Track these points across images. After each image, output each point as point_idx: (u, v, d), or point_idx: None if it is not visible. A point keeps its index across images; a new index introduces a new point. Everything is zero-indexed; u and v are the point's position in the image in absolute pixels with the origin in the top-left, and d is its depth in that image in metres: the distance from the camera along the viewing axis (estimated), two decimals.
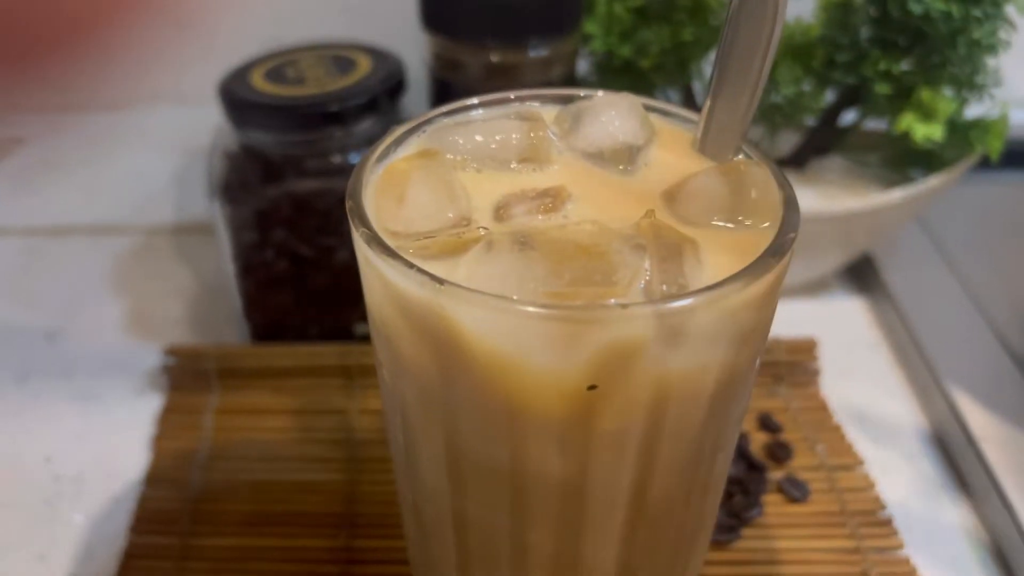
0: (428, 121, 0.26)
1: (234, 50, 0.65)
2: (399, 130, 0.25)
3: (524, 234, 0.21)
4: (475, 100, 0.27)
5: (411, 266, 0.20)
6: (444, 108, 0.26)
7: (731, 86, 0.22)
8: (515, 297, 0.20)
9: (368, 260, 0.22)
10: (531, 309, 0.19)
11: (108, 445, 0.42)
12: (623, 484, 0.22)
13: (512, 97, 0.27)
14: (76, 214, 0.58)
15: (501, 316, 0.19)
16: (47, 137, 0.66)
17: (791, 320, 0.48)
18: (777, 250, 0.21)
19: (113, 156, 0.64)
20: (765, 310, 0.22)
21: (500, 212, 0.22)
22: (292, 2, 0.65)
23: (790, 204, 0.22)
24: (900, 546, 0.38)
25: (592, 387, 0.20)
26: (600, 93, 0.27)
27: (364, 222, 0.22)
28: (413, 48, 0.62)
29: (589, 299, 0.20)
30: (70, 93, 0.68)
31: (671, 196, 0.23)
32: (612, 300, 0.20)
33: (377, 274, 0.21)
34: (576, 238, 0.20)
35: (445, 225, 0.22)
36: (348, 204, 0.23)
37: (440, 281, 0.20)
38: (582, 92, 0.28)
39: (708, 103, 0.23)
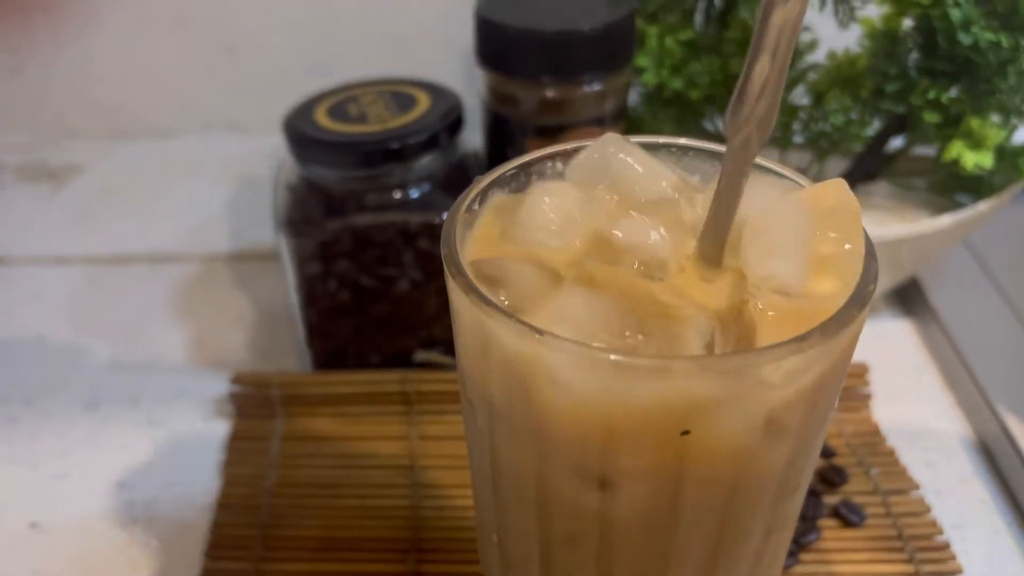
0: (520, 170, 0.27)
1: (284, 78, 0.67)
2: (485, 180, 0.27)
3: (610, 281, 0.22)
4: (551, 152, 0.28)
5: (509, 316, 0.22)
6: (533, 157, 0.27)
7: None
8: (601, 344, 0.21)
9: (463, 307, 0.23)
10: (629, 360, 0.20)
11: (178, 471, 0.44)
12: (708, 524, 0.23)
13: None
14: (134, 242, 0.60)
15: (599, 366, 0.20)
16: (104, 164, 0.68)
17: None
18: (860, 301, 0.22)
19: (166, 184, 0.66)
20: (846, 357, 0.23)
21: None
22: (342, 31, 0.66)
23: (869, 255, 0.23)
24: (959, 571, 0.38)
25: (685, 432, 0.21)
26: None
27: (460, 270, 0.23)
28: (460, 75, 0.63)
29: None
30: (124, 118, 0.70)
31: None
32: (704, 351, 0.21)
33: (474, 321, 0.23)
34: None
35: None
36: (443, 251, 0.24)
37: (539, 332, 0.21)
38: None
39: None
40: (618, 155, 0.25)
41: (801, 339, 0.21)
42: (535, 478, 0.24)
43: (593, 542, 0.24)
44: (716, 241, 0.23)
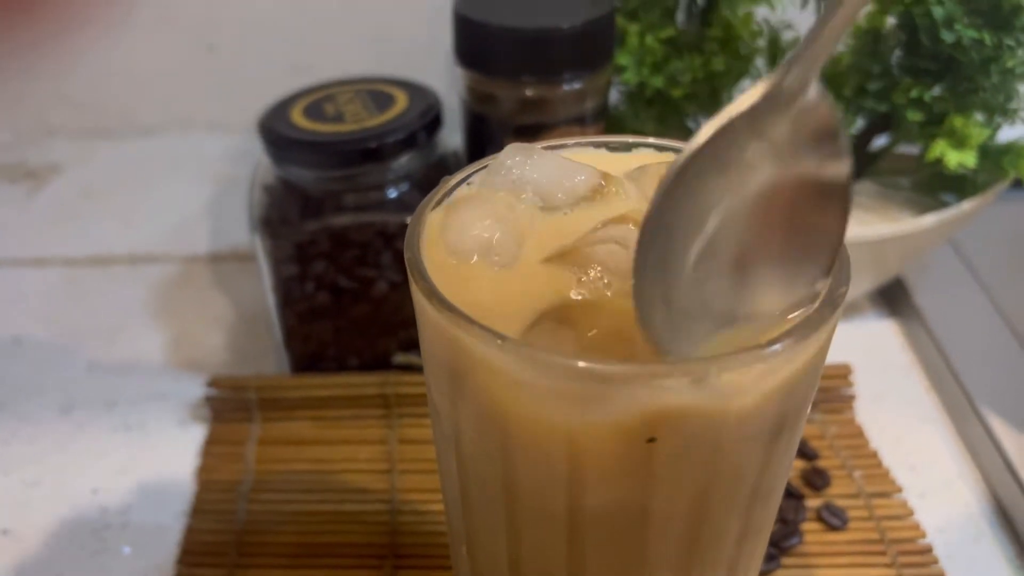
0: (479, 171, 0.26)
1: (264, 77, 0.67)
2: (452, 181, 0.26)
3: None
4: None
5: (472, 322, 0.21)
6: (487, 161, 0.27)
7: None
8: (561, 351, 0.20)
9: (426, 313, 0.22)
10: (593, 367, 0.20)
11: (153, 477, 0.43)
12: (678, 528, 0.23)
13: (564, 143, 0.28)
14: (113, 243, 0.59)
15: (563, 374, 0.20)
16: (82, 163, 0.67)
17: None
18: (832, 304, 0.21)
19: (147, 183, 0.65)
20: (818, 360, 0.22)
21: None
22: (322, 30, 0.66)
23: (842, 258, 0.23)
24: (941, 574, 0.38)
25: (651, 439, 0.21)
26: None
27: (423, 276, 0.23)
28: (441, 76, 0.62)
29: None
30: (105, 116, 0.69)
31: None
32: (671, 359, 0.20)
33: (436, 327, 0.22)
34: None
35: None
36: (407, 255, 0.23)
37: (502, 338, 0.20)
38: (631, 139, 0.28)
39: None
40: (526, 163, 0.25)
41: (769, 344, 0.20)
42: (502, 487, 0.23)
43: (562, 552, 0.23)
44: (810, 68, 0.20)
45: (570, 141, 0.28)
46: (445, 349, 0.22)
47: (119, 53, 0.67)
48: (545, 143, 0.28)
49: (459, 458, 0.24)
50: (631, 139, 0.28)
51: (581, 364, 0.20)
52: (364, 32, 0.65)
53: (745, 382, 0.20)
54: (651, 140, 0.28)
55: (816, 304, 0.22)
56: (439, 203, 0.25)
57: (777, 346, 0.20)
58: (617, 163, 0.27)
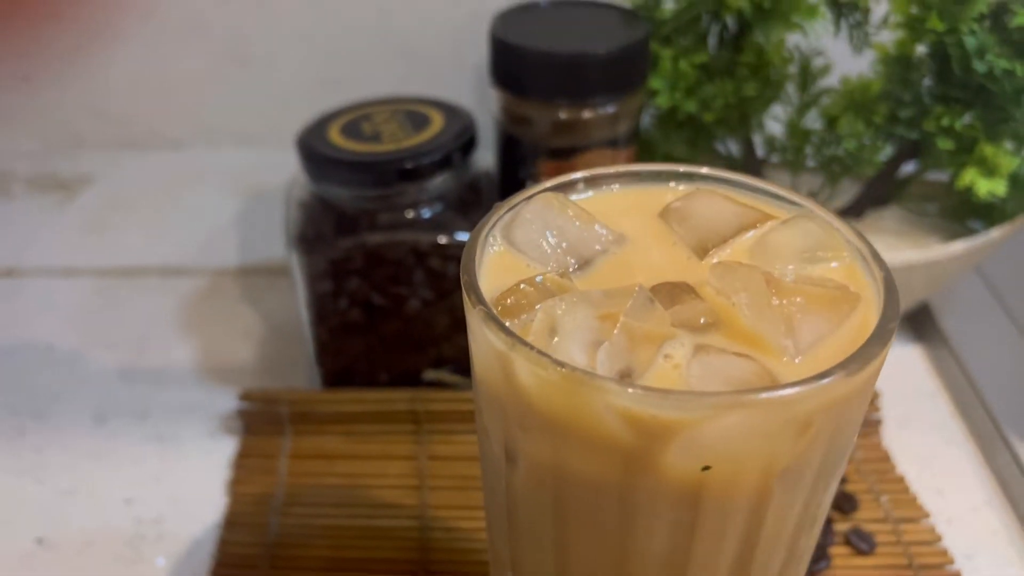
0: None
1: (293, 91, 0.68)
2: (503, 208, 0.27)
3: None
4: (577, 177, 0.28)
5: (530, 347, 0.21)
6: (547, 184, 0.27)
7: None
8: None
9: (484, 337, 0.23)
10: (653, 395, 0.20)
11: (186, 488, 0.44)
12: (724, 558, 0.23)
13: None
14: (144, 254, 0.60)
15: (624, 401, 0.20)
16: (114, 174, 0.68)
17: None
18: (882, 339, 0.22)
19: (176, 195, 0.66)
20: (867, 393, 0.23)
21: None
22: (351, 45, 0.66)
23: (890, 289, 0.23)
24: None
25: (706, 468, 0.21)
26: None
27: (480, 299, 0.23)
28: (469, 90, 0.63)
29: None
30: (134, 129, 0.70)
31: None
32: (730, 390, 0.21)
33: (494, 351, 0.22)
34: None
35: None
36: (464, 279, 0.24)
37: (561, 365, 0.21)
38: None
39: None
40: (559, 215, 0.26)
41: (822, 376, 0.21)
42: (551, 504, 0.23)
43: (609, 572, 0.24)
44: None
45: (610, 173, 0.28)
46: (499, 373, 0.23)
47: (149, 66, 0.68)
48: (582, 176, 0.28)
49: (509, 484, 0.25)
50: (665, 168, 0.28)
51: (636, 391, 0.20)
52: (393, 47, 0.66)
53: (801, 413, 0.21)
54: (685, 169, 0.28)
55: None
56: (492, 228, 0.26)
57: (829, 379, 0.21)
58: (654, 198, 0.28)
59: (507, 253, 0.26)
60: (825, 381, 0.21)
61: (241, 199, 0.65)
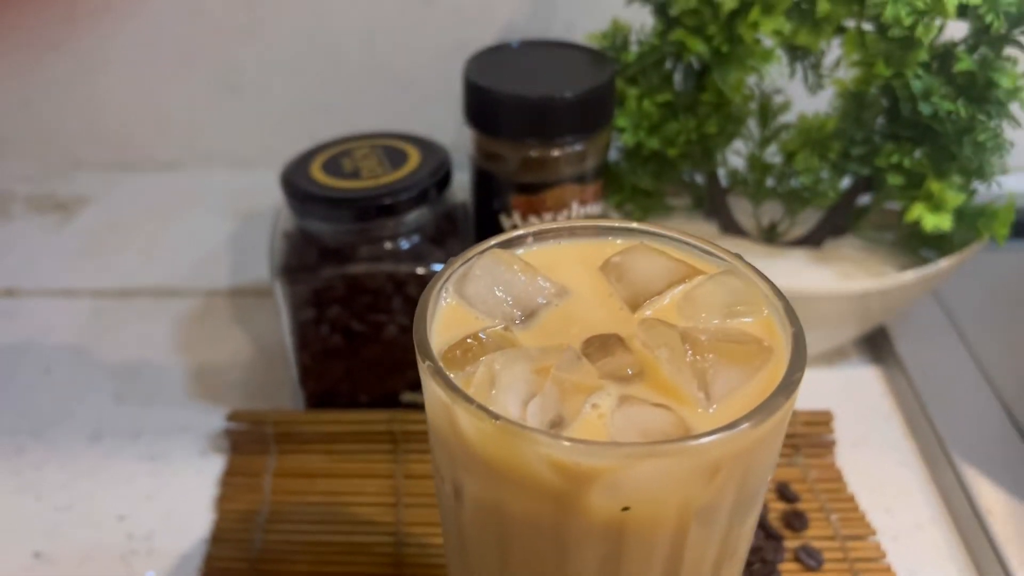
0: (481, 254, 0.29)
1: (283, 116, 0.70)
2: (457, 262, 0.29)
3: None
4: (525, 232, 0.30)
5: (470, 400, 0.24)
6: (496, 240, 0.30)
7: None
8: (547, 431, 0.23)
9: (432, 389, 0.25)
10: (575, 446, 0.23)
11: (176, 505, 0.46)
12: None
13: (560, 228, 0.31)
14: (139, 276, 0.62)
15: (550, 451, 0.23)
16: (111, 195, 0.71)
17: (809, 389, 0.51)
18: (787, 390, 0.24)
19: (170, 217, 0.69)
20: (776, 438, 0.25)
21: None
22: (339, 72, 0.69)
23: (798, 343, 0.26)
24: None
25: (626, 508, 0.24)
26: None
27: (428, 354, 0.26)
28: (453, 119, 0.66)
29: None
30: (130, 151, 0.73)
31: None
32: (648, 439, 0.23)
33: (441, 402, 0.25)
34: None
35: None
36: (416, 338, 0.26)
37: (496, 417, 0.23)
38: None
39: None
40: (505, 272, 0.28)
41: (728, 427, 0.23)
42: (496, 540, 0.26)
43: None
44: None
45: (555, 227, 0.31)
46: (445, 421, 0.25)
47: (145, 91, 0.70)
48: (530, 232, 0.30)
49: (458, 518, 0.27)
50: (605, 224, 0.31)
51: (564, 443, 0.23)
52: (380, 75, 0.68)
53: (706, 459, 0.23)
54: (634, 226, 0.31)
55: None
56: (446, 282, 0.28)
57: (739, 428, 0.23)
58: (595, 252, 0.30)
59: (458, 306, 0.28)
60: (732, 432, 0.23)
61: (233, 221, 0.68)
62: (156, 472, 0.48)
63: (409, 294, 0.47)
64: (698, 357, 0.25)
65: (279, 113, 0.70)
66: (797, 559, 0.43)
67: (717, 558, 0.26)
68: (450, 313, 0.28)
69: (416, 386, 0.50)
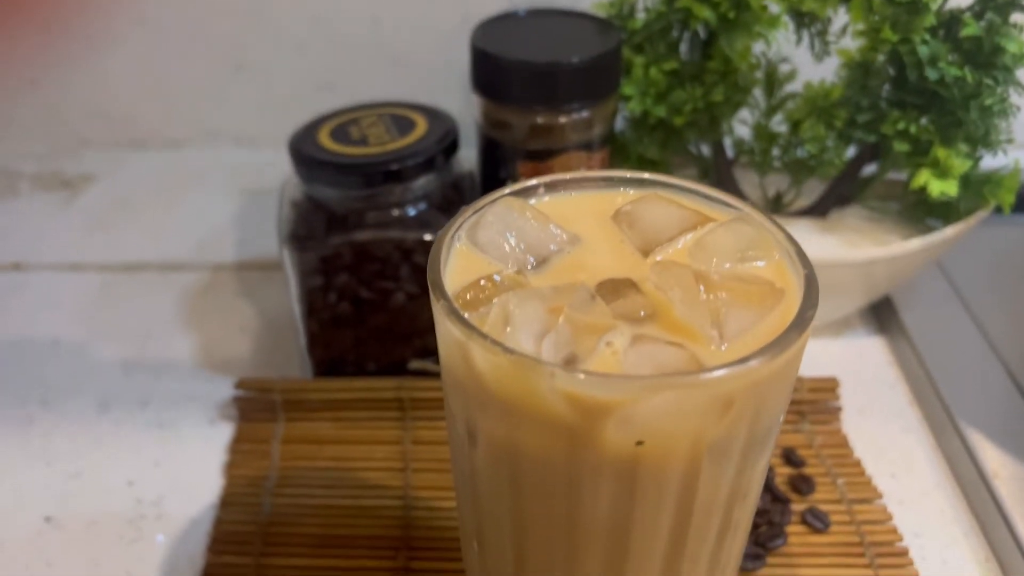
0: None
1: (290, 94, 0.70)
2: (469, 210, 0.29)
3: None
4: (537, 183, 0.30)
5: (485, 336, 0.24)
6: (509, 189, 0.30)
7: None
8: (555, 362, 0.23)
9: (447, 328, 0.26)
10: (589, 378, 0.23)
11: (185, 471, 0.47)
12: (663, 524, 0.26)
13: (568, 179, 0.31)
14: (145, 251, 0.63)
15: (565, 384, 0.23)
16: (117, 173, 0.71)
17: (815, 358, 0.52)
18: (800, 326, 0.24)
19: (176, 194, 0.69)
20: (789, 374, 0.25)
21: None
22: (345, 50, 0.69)
23: (810, 283, 0.26)
24: None
25: (640, 443, 0.24)
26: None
27: (443, 294, 0.26)
28: (457, 95, 0.66)
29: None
30: (137, 129, 0.73)
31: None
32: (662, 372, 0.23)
33: (455, 340, 0.25)
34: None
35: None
36: (429, 277, 0.26)
37: (510, 351, 0.24)
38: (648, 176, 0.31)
39: None
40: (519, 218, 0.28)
41: (742, 360, 0.23)
42: (508, 482, 0.26)
43: (560, 537, 0.26)
44: None
45: (567, 179, 0.31)
46: (460, 360, 0.25)
47: (151, 70, 0.70)
48: (542, 182, 0.31)
49: (471, 461, 0.27)
50: (616, 174, 0.31)
51: (580, 375, 0.23)
52: (384, 53, 0.69)
53: (721, 392, 0.23)
54: (647, 176, 0.31)
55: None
56: (459, 230, 0.29)
57: (752, 362, 0.23)
58: (606, 203, 0.30)
59: (471, 253, 0.28)
60: (745, 365, 0.23)
61: (239, 197, 0.68)
62: (164, 440, 0.48)
63: (416, 262, 0.47)
64: (711, 296, 0.25)
65: (285, 91, 0.71)
66: (804, 521, 0.43)
67: (729, 498, 0.26)
68: (463, 259, 0.28)
69: (424, 353, 0.50)
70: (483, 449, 0.27)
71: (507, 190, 0.30)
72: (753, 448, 0.26)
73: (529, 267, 0.28)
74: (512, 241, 0.28)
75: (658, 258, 0.28)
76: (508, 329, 0.24)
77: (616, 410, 0.23)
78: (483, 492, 0.28)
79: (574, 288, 0.25)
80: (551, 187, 0.31)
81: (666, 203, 0.29)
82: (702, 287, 0.25)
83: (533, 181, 0.30)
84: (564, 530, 0.26)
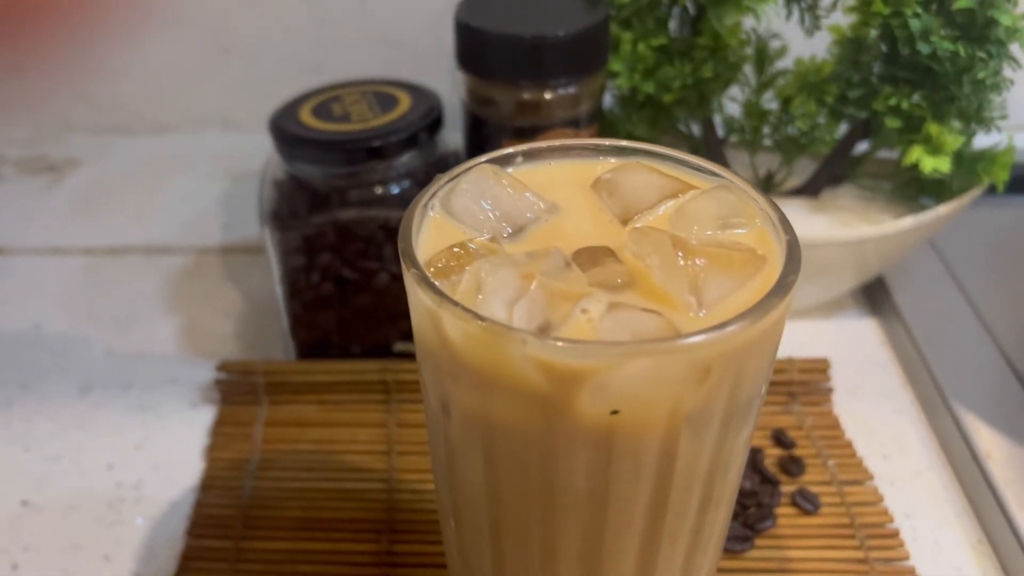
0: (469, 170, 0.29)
1: (276, 77, 0.69)
2: (444, 179, 0.28)
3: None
4: (515, 151, 0.30)
5: (456, 304, 0.23)
6: (485, 157, 0.29)
7: None
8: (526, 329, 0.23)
9: (418, 297, 0.25)
10: (562, 345, 0.22)
11: (165, 454, 0.46)
12: (641, 497, 0.25)
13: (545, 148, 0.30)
14: (130, 234, 0.62)
15: (537, 351, 0.22)
16: (102, 158, 0.70)
17: (806, 339, 0.51)
18: (782, 291, 0.24)
19: (161, 179, 0.68)
20: (768, 344, 0.25)
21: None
22: (332, 33, 0.68)
23: (792, 250, 0.25)
24: (906, 557, 0.40)
25: (615, 412, 0.23)
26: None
27: (414, 263, 0.25)
28: (444, 77, 0.65)
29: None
30: (122, 114, 0.72)
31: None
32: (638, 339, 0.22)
33: (426, 310, 0.24)
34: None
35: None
36: (400, 246, 0.26)
37: (481, 318, 0.23)
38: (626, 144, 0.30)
39: None
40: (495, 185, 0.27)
41: (720, 326, 0.22)
42: (482, 454, 0.25)
43: (536, 511, 0.26)
44: None
45: (544, 147, 0.30)
46: (431, 330, 0.25)
47: (136, 54, 0.70)
48: (520, 150, 0.30)
49: (446, 434, 0.27)
50: (597, 142, 0.30)
51: (555, 343, 0.22)
52: (372, 34, 0.68)
53: (700, 359, 0.23)
54: (633, 145, 0.30)
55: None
56: (432, 198, 0.28)
57: (731, 327, 0.23)
58: (586, 171, 0.29)
59: (445, 222, 0.28)
60: (724, 331, 0.23)
61: (224, 182, 0.67)
62: (146, 423, 0.48)
63: None
64: (689, 262, 0.24)
65: (271, 75, 0.70)
66: (794, 503, 0.42)
67: (709, 471, 0.26)
68: (436, 228, 0.27)
69: (409, 336, 0.49)
70: (457, 422, 0.26)
71: (483, 158, 0.29)
72: (734, 419, 0.25)
73: (505, 235, 0.27)
74: (487, 209, 0.27)
75: (638, 225, 0.27)
76: (480, 297, 0.24)
77: (590, 378, 0.22)
78: (458, 467, 0.27)
79: (548, 254, 0.24)
80: (529, 155, 0.30)
81: (647, 171, 0.29)
82: (680, 253, 0.24)
83: (511, 149, 0.30)
84: (540, 504, 0.25)
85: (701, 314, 0.24)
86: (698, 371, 0.23)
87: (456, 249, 0.25)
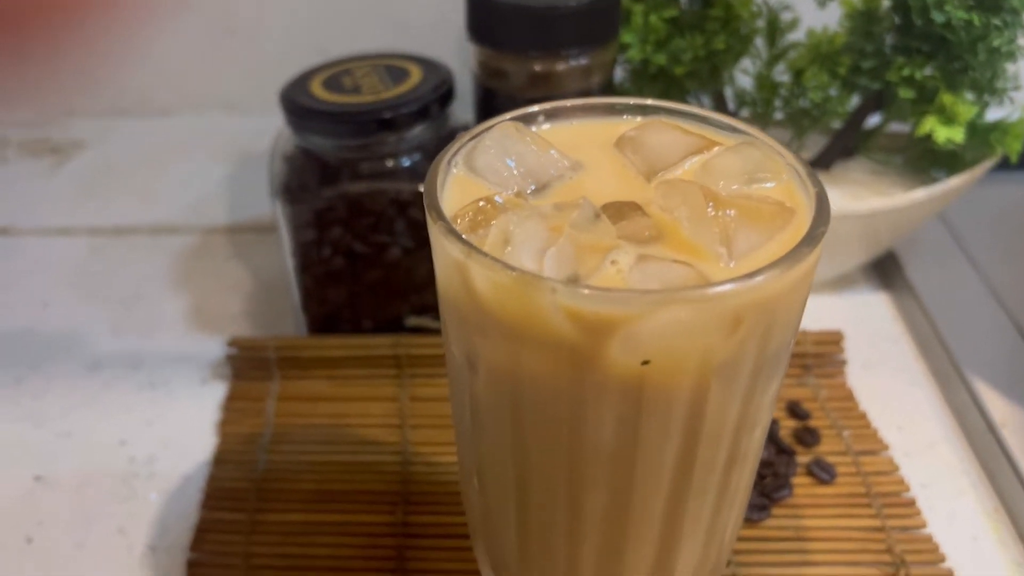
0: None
1: (280, 58, 0.69)
2: (466, 136, 0.28)
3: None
4: (538, 109, 0.29)
5: (484, 255, 0.23)
6: (509, 115, 0.29)
7: None
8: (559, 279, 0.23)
9: (444, 250, 0.25)
10: (593, 293, 0.22)
11: (177, 430, 0.46)
12: (669, 451, 0.25)
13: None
14: (136, 215, 0.61)
15: (568, 299, 0.22)
16: (106, 141, 0.70)
17: (819, 314, 0.51)
18: (812, 241, 0.23)
19: (166, 160, 0.68)
20: (800, 293, 0.25)
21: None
22: (338, 12, 0.68)
23: (821, 201, 0.25)
24: (923, 525, 0.40)
25: (646, 362, 0.23)
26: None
27: (440, 215, 0.25)
28: (454, 55, 0.65)
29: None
30: (125, 97, 0.72)
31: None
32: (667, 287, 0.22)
33: (453, 262, 0.24)
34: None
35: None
36: (425, 200, 0.25)
37: (511, 268, 0.23)
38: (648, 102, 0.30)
39: None
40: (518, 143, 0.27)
41: (756, 273, 0.22)
42: (510, 410, 0.25)
43: (563, 468, 0.26)
44: None
45: (567, 106, 0.30)
46: (459, 284, 0.24)
47: (140, 37, 0.69)
48: (542, 109, 0.30)
49: (472, 391, 0.26)
50: (619, 101, 0.30)
51: (585, 292, 0.22)
52: (379, 13, 0.67)
53: (730, 309, 0.22)
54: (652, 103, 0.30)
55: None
56: (455, 155, 0.28)
57: (761, 276, 0.22)
58: (609, 130, 0.29)
59: (468, 178, 0.27)
60: (755, 279, 0.22)
61: (229, 162, 0.67)
62: (156, 400, 0.47)
63: (412, 215, 0.46)
64: (719, 213, 0.24)
65: (275, 56, 0.69)
66: (810, 473, 0.42)
67: (737, 426, 0.25)
68: (459, 185, 0.27)
69: (422, 310, 0.49)
70: (483, 377, 0.26)
71: (507, 116, 0.29)
72: (763, 371, 0.25)
73: (529, 192, 0.27)
74: (511, 166, 0.27)
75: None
76: (508, 249, 0.24)
77: (621, 327, 0.22)
78: (484, 423, 0.27)
79: (577, 205, 0.24)
80: (552, 114, 0.30)
81: (671, 128, 0.28)
82: (710, 204, 0.24)
83: (534, 108, 0.29)
84: (567, 459, 0.25)
85: (731, 265, 0.24)
86: (729, 321, 0.23)
87: (482, 203, 0.25)
